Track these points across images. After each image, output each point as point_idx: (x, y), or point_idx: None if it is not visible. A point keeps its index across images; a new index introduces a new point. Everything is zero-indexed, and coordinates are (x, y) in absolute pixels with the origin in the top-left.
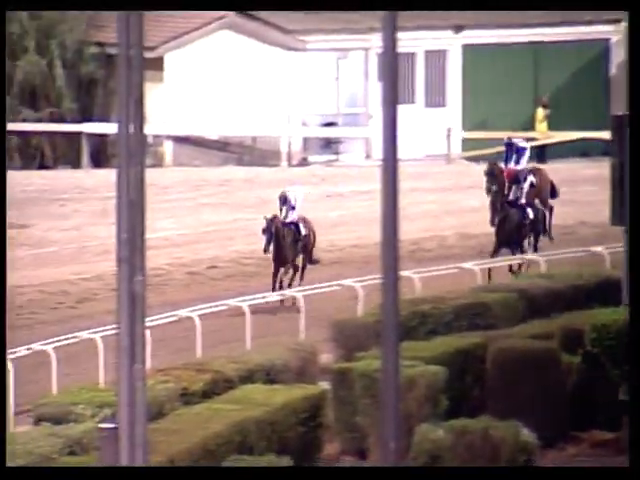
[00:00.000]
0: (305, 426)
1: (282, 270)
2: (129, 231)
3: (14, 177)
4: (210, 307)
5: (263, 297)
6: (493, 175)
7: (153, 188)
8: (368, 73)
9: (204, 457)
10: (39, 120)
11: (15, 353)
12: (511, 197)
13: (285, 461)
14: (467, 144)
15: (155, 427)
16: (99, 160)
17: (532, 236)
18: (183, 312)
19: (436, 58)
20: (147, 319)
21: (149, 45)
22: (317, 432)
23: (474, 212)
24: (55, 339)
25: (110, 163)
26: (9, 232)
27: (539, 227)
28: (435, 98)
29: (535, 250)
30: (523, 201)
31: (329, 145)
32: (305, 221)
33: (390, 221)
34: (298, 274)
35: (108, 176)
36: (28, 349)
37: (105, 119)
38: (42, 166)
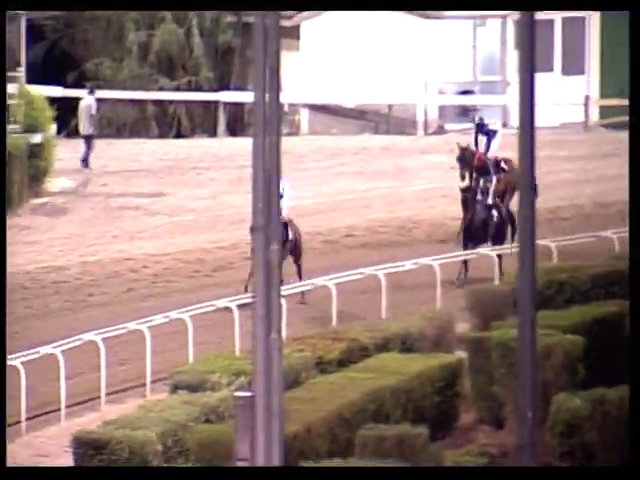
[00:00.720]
0: (441, 395)
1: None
2: (265, 200)
3: (151, 146)
4: (346, 275)
5: (401, 266)
6: (464, 160)
7: (289, 157)
8: (505, 40)
9: (339, 425)
10: (176, 89)
11: (152, 321)
12: (478, 194)
13: (421, 430)
14: (605, 111)
15: (291, 395)
16: (235, 129)
17: (494, 239)
18: (319, 280)
19: (574, 25)
20: (283, 287)
21: (285, 14)
22: (453, 401)
23: (612, 180)
24: (191, 307)
25: (246, 132)
26: (145, 201)
27: (502, 231)
28: (573, 66)
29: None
30: (489, 200)
31: (466, 113)
32: (292, 224)
33: (526, 190)
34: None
35: (244, 145)
36: (165, 317)
37: (241, 88)
38: (179, 135)
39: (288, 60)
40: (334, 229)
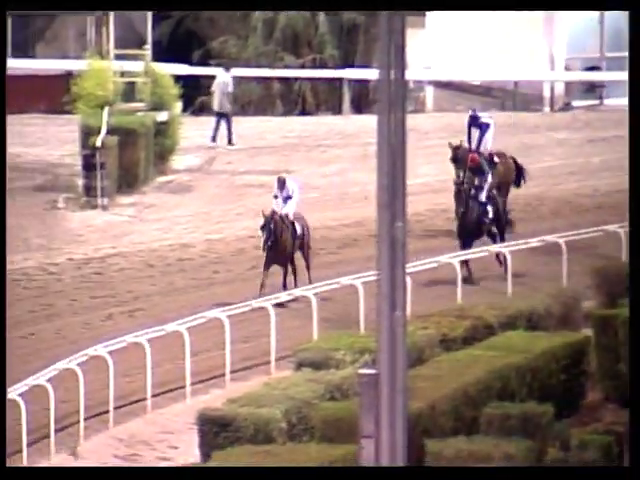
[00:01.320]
0: (567, 373)
1: (283, 270)
2: (389, 177)
3: (276, 123)
4: (470, 253)
5: (525, 242)
6: (458, 161)
7: (414, 134)
8: None
9: (464, 403)
10: (301, 66)
11: (277, 298)
12: (473, 190)
13: (546, 408)
14: None
15: (415, 373)
16: (360, 106)
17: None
18: (442, 258)
19: None
20: (408, 265)
21: None
22: (579, 379)
23: None
24: (316, 285)
25: (371, 109)
26: (270, 178)
27: (495, 230)
28: None
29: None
30: (483, 197)
31: (592, 89)
32: (300, 218)
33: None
34: (305, 276)
35: (369, 122)
36: (289, 294)
37: (366, 65)
38: (303, 112)
39: (413, 37)
40: None
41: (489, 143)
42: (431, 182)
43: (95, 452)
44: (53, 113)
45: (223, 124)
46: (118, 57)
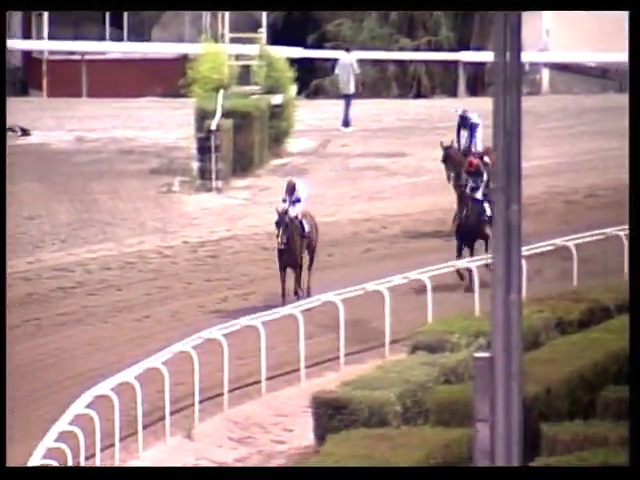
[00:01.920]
0: None
1: (289, 270)
2: (505, 160)
3: (391, 106)
4: (587, 236)
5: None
6: (448, 161)
7: (529, 116)
8: None
9: (580, 387)
10: (416, 49)
11: (390, 282)
12: (468, 190)
13: None
14: None
15: (531, 357)
16: (475, 88)
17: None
18: (559, 241)
19: None
20: (523, 248)
21: None
22: None
23: None
24: (430, 268)
25: (486, 92)
26: (385, 161)
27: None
28: None
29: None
30: (479, 195)
31: None
32: (309, 216)
33: None
34: (305, 275)
35: (484, 105)
36: (404, 277)
37: (481, 47)
38: (418, 95)
39: (529, 19)
40: (575, 189)
41: (479, 143)
42: (546, 165)
43: (210, 434)
44: (168, 96)
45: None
46: (233, 40)
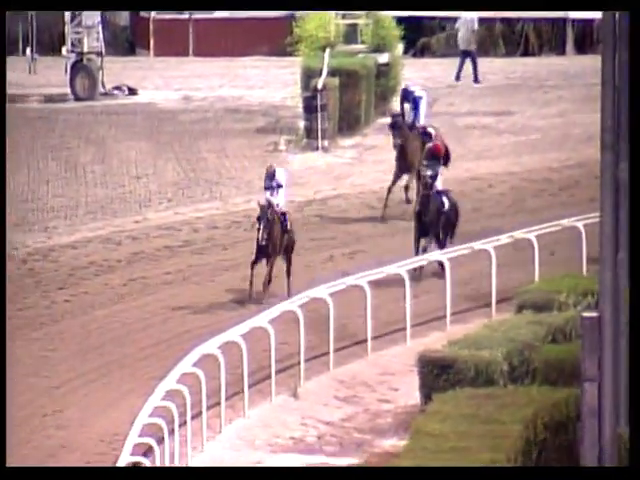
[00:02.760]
0: None
1: (269, 264)
2: (614, 118)
3: (498, 64)
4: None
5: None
6: (396, 128)
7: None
8: None
9: None
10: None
11: (497, 241)
12: (428, 179)
13: None
14: None
15: None
16: (584, 46)
17: (444, 228)
18: None
19: None
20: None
21: None
22: None
23: None
24: (537, 227)
25: (595, 49)
26: (492, 119)
27: (452, 217)
28: None
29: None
30: (438, 184)
31: None
32: (287, 215)
33: None
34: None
35: (593, 62)
36: (510, 237)
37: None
38: (526, 53)
39: None
40: None
41: (422, 117)
42: None
43: (315, 393)
44: (275, 55)
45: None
46: None
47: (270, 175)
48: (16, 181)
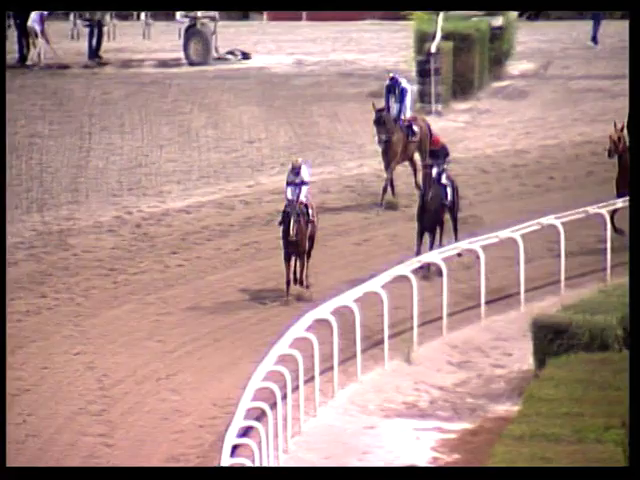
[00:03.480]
0: None
1: (293, 258)
2: None
3: (614, 27)
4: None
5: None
6: (381, 124)
7: None
8: None
9: None
10: None
11: (612, 205)
12: (434, 175)
13: None
14: None
15: None
16: None
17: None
18: None
19: None
20: None
21: None
22: None
23: None
24: None
25: None
26: (607, 83)
27: (456, 208)
28: None
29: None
30: (444, 179)
31: None
32: (312, 207)
33: None
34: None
35: None
36: (625, 201)
37: None
38: None
39: None
40: None
41: (408, 109)
42: None
43: (429, 358)
44: (388, 19)
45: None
46: None
47: (295, 170)
48: (130, 145)
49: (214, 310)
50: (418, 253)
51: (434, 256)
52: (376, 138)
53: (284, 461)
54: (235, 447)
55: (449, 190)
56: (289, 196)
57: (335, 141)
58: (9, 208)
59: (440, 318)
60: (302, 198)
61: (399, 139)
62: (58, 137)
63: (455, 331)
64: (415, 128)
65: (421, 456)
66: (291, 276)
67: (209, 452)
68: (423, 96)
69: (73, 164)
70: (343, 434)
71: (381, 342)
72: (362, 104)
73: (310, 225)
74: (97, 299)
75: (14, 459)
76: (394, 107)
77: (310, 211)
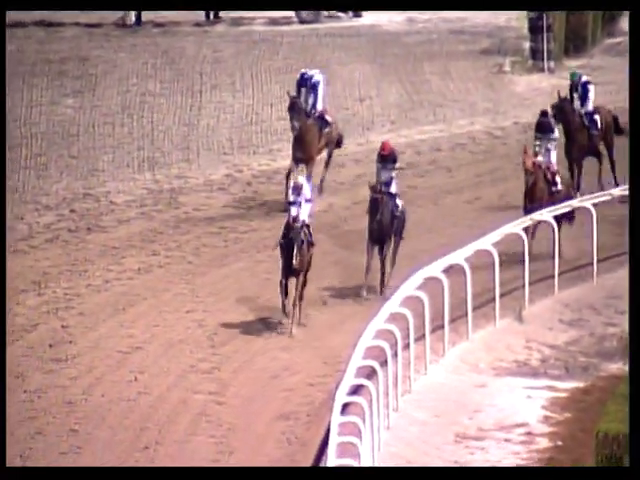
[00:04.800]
0: None
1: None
2: None
3: None
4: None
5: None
6: (295, 110)
7: None
8: None
9: None
10: None
11: None
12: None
13: None
14: None
15: None
16: None
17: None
18: None
19: None
20: None
21: None
22: None
23: None
24: None
25: None
26: None
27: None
28: None
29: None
30: (394, 189)
31: None
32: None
33: None
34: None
35: None
36: None
37: None
38: None
39: None
40: None
41: (320, 102)
42: None
43: (540, 316)
44: None
45: None
46: None
47: (297, 189)
48: (241, 104)
49: (324, 268)
50: (368, 266)
51: (545, 215)
52: (290, 125)
53: (394, 419)
54: (345, 405)
55: (397, 201)
56: (292, 216)
57: (446, 99)
58: (119, 166)
59: (552, 276)
60: (305, 218)
61: (312, 131)
62: (169, 95)
63: (567, 289)
64: (328, 118)
65: (532, 415)
66: (286, 302)
67: (319, 410)
68: (535, 53)
69: (184, 122)
70: (453, 392)
71: (492, 300)
72: (473, 62)
73: (311, 248)
74: (208, 257)
75: (125, 416)
76: (307, 100)
77: (311, 232)
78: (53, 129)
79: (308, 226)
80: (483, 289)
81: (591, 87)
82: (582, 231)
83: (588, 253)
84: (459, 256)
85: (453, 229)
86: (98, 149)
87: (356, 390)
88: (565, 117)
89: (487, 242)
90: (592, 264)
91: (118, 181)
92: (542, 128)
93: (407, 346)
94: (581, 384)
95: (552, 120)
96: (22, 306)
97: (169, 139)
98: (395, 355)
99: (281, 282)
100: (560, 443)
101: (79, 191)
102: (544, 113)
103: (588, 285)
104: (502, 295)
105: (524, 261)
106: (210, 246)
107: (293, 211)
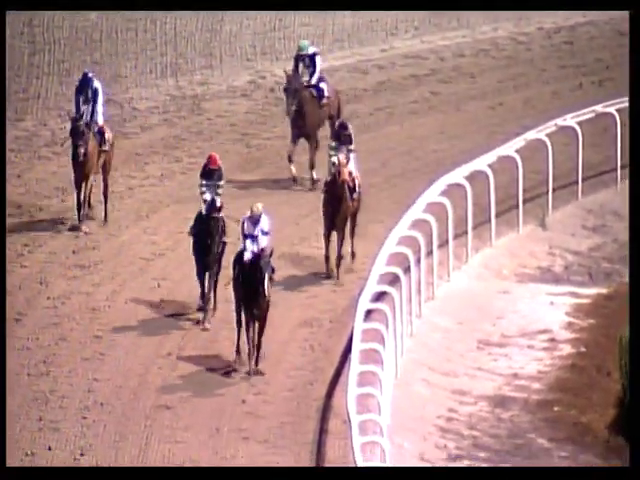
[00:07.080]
0: None
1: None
2: None
3: None
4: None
5: None
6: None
7: None
8: None
9: None
10: None
11: None
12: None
13: None
14: None
15: None
16: None
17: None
18: None
19: None
20: None
21: None
22: None
23: None
24: None
25: None
26: None
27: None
28: None
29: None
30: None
31: None
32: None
33: None
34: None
35: None
36: None
37: None
38: None
39: None
40: None
41: (100, 114)
42: None
43: (562, 222)
44: None
45: None
46: None
47: (254, 220)
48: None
49: None
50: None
51: (569, 120)
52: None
53: (417, 326)
54: (369, 312)
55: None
56: (247, 252)
57: None
58: (142, 72)
59: (575, 182)
60: (262, 247)
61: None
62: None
63: (590, 195)
64: (107, 135)
65: (555, 321)
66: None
67: (342, 316)
68: None
69: (207, 28)
70: (476, 299)
71: (515, 207)
72: None
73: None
74: (231, 163)
75: (148, 322)
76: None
77: (274, 265)
78: (76, 35)
79: (271, 253)
80: (506, 195)
81: (318, 58)
82: (606, 137)
83: (611, 159)
84: (482, 162)
85: (476, 135)
86: (121, 55)
87: (379, 297)
88: (294, 92)
89: (510, 148)
90: (615, 170)
91: (141, 87)
92: (341, 139)
93: (430, 253)
94: (604, 290)
95: (352, 132)
96: (45, 212)
97: (192, 45)
98: (418, 262)
99: (238, 321)
100: (583, 349)
101: None
102: (343, 125)
103: (611, 191)
104: (525, 201)
105: (547, 167)
106: (233, 152)
107: (248, 245)
